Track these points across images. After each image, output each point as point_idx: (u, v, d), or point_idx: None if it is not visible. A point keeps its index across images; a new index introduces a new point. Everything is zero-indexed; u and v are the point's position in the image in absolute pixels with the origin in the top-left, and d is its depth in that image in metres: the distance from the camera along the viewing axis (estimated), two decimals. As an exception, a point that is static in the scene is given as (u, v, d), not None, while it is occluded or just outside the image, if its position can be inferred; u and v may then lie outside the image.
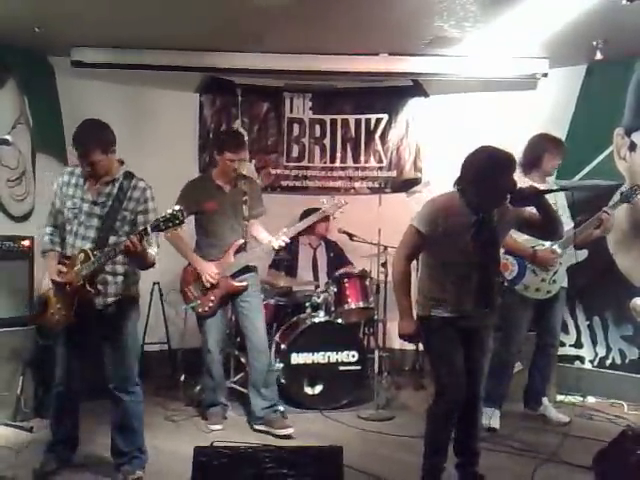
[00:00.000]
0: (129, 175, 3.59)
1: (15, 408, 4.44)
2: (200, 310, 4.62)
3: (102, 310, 3.53)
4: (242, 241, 4.63)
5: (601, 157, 5.56)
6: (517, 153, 5.89)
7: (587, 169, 5.64)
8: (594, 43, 5.03)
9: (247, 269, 4.68)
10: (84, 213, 3.52)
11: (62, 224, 3.61)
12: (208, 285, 4.57)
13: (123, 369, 3.59)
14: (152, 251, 3.49)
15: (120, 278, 3.56)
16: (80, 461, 3.81)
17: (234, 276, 4.62)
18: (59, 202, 3.61)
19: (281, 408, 4.67)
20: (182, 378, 5.33)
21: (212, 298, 4.59)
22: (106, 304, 3.53)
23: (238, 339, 5.21)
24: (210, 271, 4.57)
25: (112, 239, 3.49)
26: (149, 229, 3.34)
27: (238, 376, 5.23)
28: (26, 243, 4.73)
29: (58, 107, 5.74)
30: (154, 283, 5.76)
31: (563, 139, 5.72)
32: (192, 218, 4.59)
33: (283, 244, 4.66)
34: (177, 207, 3.34)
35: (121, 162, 3.62)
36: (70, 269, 3.46)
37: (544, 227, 3.43)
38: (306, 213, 5.53)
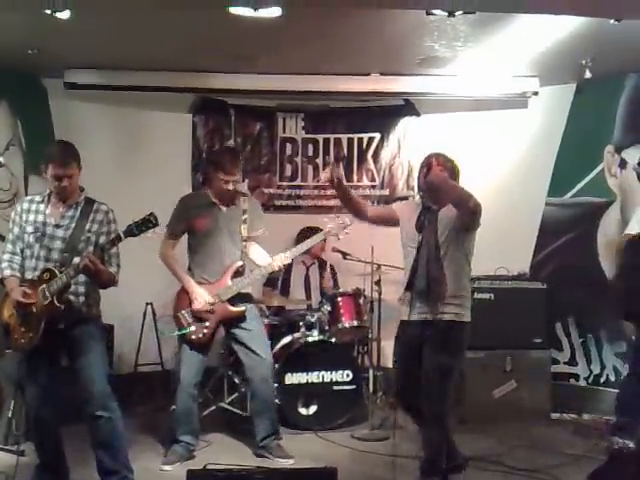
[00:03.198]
0: (90, 200, 3.71)
1: (6, 431, 4.41)
2: (193, 337, 4.28)
3: (66, 330, 3.57)
4: (240, 263, 4.33)
5: (592, 174, 5.59)
6: (507, 171, 6.00)
7: (579, 186, 5.68)
8: (583, 62, 5.08)
9: (243, 297, 4.37)
10: (47, 236, 3.60)
11: (21, 251, 3.66)
12: (195, 310, 4.26)
13: (98, 386, 3.59)
14: (112, 270, 3.60)
15: (82, 298, 3.63)
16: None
17: (230, 302, 4.32)
18: (18, 229, 3.66)
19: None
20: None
21: (207, 324, 4.28)
22: (70, 324, 3.57)
23: (232, 358, 5.16)
24: (202, 299, 4.26)
25: (76, 260, 3.52)
26: (122, 235, 3.45)
27: (232, 397, 5.20)
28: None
29: (51, 129, 5.74)
30: (147, 304, 5.74)
31: (554, 157, 5.80)
32: (185, 238, 4.51)
33: (282, 265, 4.37)
34: (149, 212, 3.45)
35: (81, 189, 3.73)
36: (35, 290, 3.50)
37: (456, 206, 3.60)
38: (304, 232, 5.52)
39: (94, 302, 3.72)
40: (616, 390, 4.81)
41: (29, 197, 3.77)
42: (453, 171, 3.74)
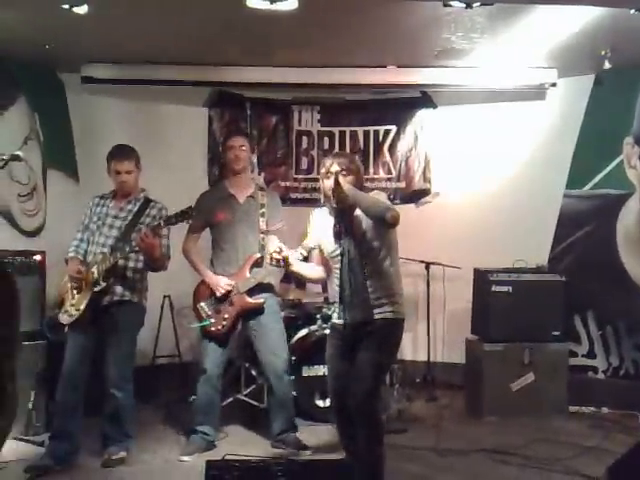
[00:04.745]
0: (149, 199, 4.22)
1: (27, 422, 4.45)
2: (213, 329, 4.33)
3: (107, 308, 4.02)
4: (259, 255, 4.34)
5: (611, 166, 5.53)
6: (525, 163, 5.96)
7: (597, 178, 5.63)
8: (602, 52, 5.02)
9: (262, 288, 4.41)
10: (106, 225, 4.11)
11: (88, 240, 4.16)
12: (219, 295, 4.31)
13: (118, 366, 4.00)
14: (164, 242, 4.06)
15: (128, 282, 4.08)
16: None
17: (249, 294, 4.36)
18: (87, 220, 4.20)
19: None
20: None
21: (226, 316, 4.32)
22: (111, 302, 4.02)
23: (249, 351, 5.17)
24: (222, 283, 4.32)
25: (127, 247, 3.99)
26: (162, 223, 3.87)
27: (249, 389, 5.22)
28: (38, 258, 4.73)
29: (68, 123, 5.78)
30: (165, 296, 5.77)
31: (572, 149, 5.76)
32: (209, 232, 4.56)
33: (301, 257, 4.48)
34: (188, 206, 3.88)
35: (142, 189, 4.25)
36: (88, 269, 4.00)
37: (374, 221, 3.40)
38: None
39: (139, 288, 4.14)
40: (635, 383, 4.77)
41: (100, 194, 4.28)
42: (358, 173, 3.53)
